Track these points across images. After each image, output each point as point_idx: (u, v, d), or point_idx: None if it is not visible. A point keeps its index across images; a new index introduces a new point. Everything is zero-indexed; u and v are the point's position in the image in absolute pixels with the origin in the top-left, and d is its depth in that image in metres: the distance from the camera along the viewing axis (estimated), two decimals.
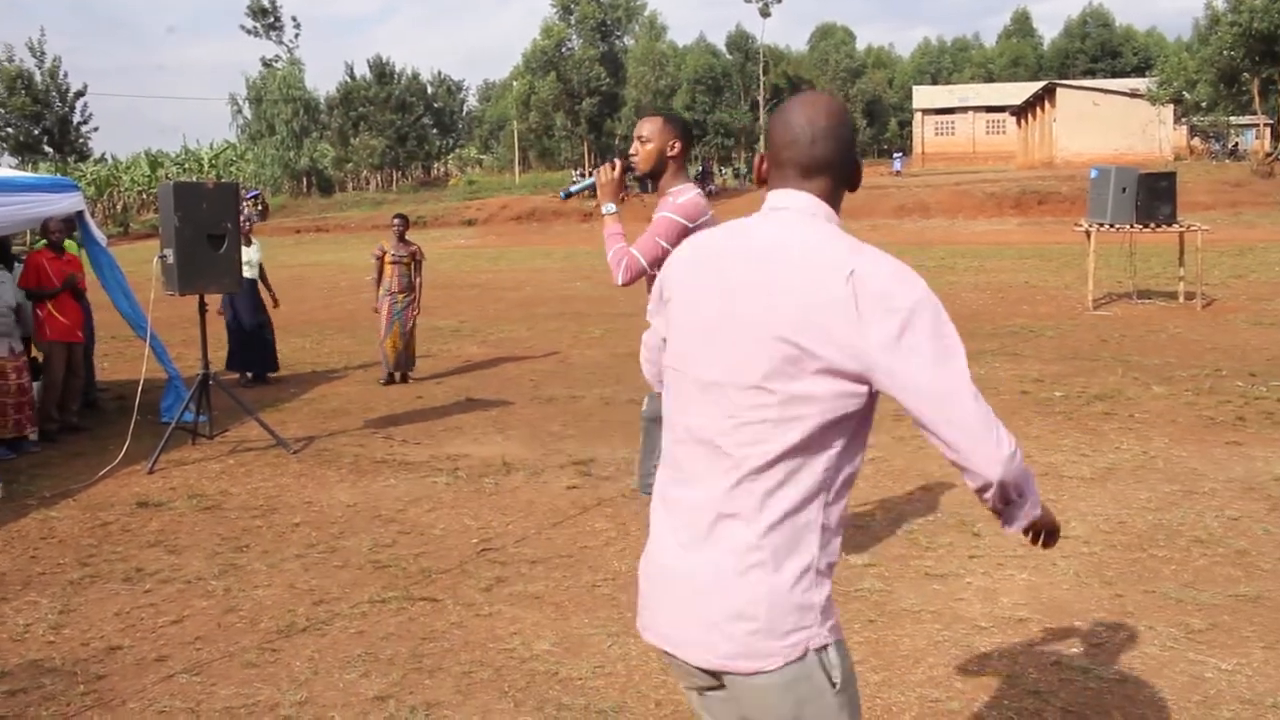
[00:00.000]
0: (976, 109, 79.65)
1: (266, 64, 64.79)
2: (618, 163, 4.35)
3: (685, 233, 4.09)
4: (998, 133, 78.05)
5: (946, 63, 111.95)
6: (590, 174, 4.20)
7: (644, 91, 50.73)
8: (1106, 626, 4.47)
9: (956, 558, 5.33)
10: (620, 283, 4.18)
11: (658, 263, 4.06)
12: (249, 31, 65.66)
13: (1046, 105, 62.02)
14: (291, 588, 5.20)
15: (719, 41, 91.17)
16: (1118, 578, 5.03)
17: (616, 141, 52.65)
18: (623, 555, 5.49)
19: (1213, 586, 4.83)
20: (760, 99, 70.88)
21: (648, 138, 4.38)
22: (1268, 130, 49.29)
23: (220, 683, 4.17)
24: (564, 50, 50.82)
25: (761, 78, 71.72)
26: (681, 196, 4.30)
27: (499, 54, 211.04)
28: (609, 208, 4.31)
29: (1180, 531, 5.63)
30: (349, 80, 73.23)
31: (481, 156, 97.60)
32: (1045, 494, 6.30)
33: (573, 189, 4.64)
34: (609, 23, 51.46)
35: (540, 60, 50.49)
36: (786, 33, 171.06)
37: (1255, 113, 47.10)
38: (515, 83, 60.25)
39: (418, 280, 11.06)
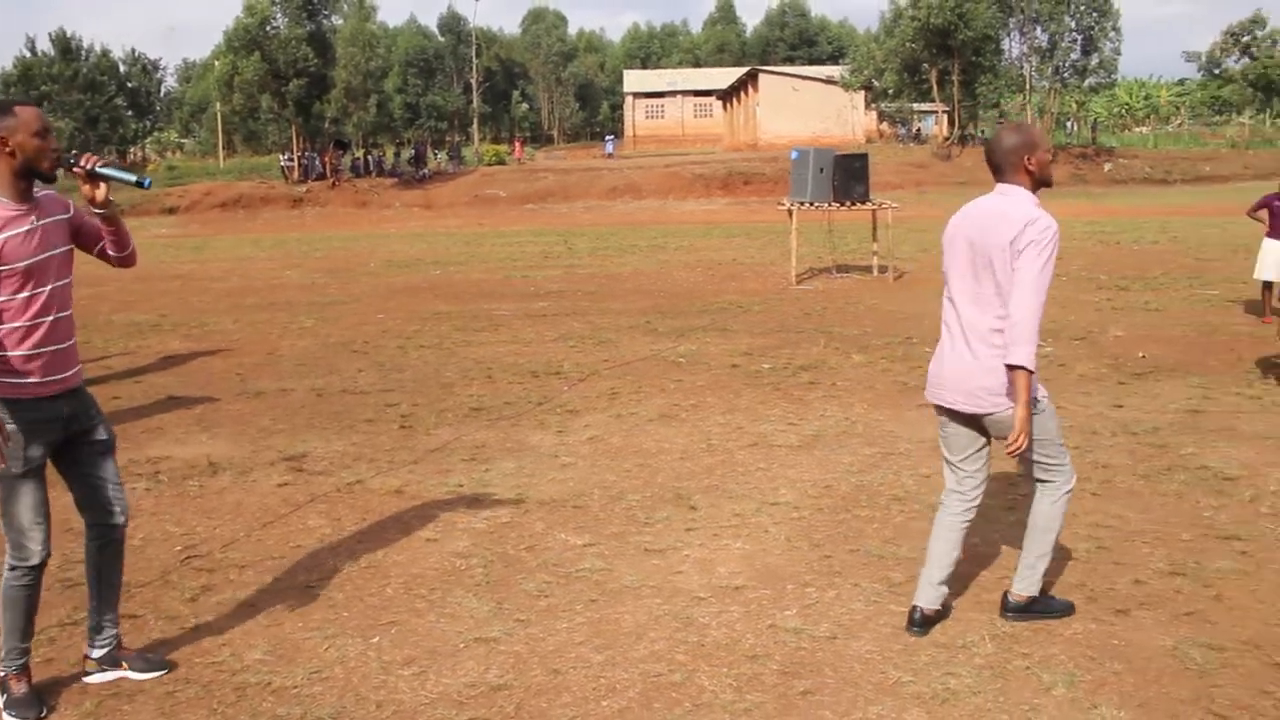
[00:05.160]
0: (685, 93, 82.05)
1: None
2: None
3: None
4: (706, 116, 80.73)
5: (656, 48, 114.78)
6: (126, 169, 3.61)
7: (354, 73, 48.90)
8: (817, 587, 4.66)
9: (674, 531, 5.42)
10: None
11: None
12: None
13: (750, 90, 64.59)
14: None
15: (431, 23, 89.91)
16: (825, 540, 5.26)
17: (326, 125, 50.72)
18: (337, 553, 5.26)
19: (910, 541, 5.13)
20: (473, 82, 70.29)
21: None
22: (945, 117, 53.42)
23: None
24: (269, 29, 48.38)
25: (474, 60, 71.12)
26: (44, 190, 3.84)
27: (199, 31, 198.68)
28: None
29: (880, 491, 5.97)
30: (28, 55, 67.48)
31: (183, 140, 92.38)
32: (756, 463, 6.54)
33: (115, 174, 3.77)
34: (315, 2, 49.39)
35: (243, 39, 47.84)
36: (499, 16, 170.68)
37: (934, 100, 50.96)
38: (217, 62, 57.13)
39: None
